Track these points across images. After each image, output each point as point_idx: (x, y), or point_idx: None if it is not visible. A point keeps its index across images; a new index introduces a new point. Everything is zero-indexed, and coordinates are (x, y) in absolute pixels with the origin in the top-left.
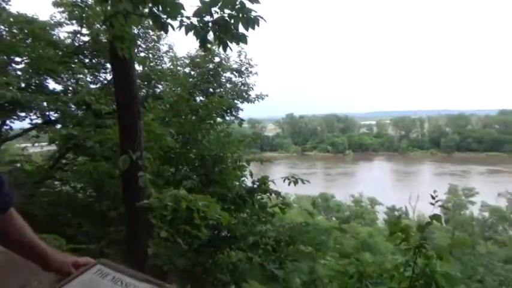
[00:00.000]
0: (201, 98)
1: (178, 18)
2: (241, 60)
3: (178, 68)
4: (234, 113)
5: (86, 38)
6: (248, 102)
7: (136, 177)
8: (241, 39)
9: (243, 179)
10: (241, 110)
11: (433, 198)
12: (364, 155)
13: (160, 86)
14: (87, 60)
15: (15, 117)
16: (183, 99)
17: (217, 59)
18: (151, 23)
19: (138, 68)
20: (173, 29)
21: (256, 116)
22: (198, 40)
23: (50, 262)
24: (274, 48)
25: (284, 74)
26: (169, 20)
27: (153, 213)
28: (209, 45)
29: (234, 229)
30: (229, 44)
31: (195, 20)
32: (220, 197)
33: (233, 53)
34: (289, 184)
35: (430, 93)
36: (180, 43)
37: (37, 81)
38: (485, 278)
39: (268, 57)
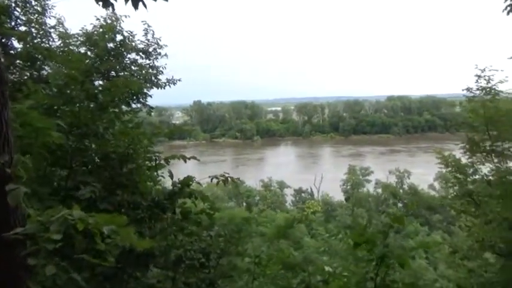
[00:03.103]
0: (101, 82)
1: None
2: (148, 40)
3: (71, 47)
4: (141, 99)
5: None
6: (158, 88)
7: (4, 192)
8: None
9: (159, 179)
10: (150, 96)
11: None
12: (272, 140)
13: (47, 68)
14: None
15: None
16: (76, 81)
17: (119, 37)
18: None
19: (18, 45)
20: None
21: (162, 103)
22: None
23: None
24: (178, 29)
25: (190, 58)
26: None
27: (34, 244)
28: (112, 1)
29: (153, 243)
30: None
31: None
32: (131, 205)
33: (139, 31)
34: (217, 184)
35: (329, 80)
36: (72, 17)
37: None
38: None
39: (173, 39)
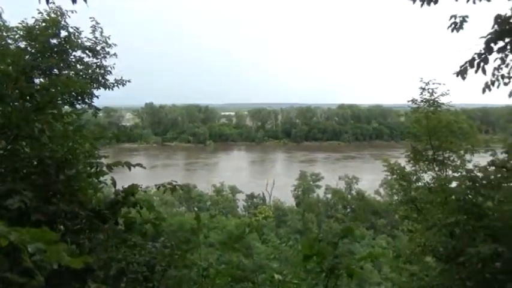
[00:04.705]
0: (42, 80)
1: None
2: (95, 38)
3: (9, 40)
4: (87, 100)
5: None
6: (105, 88)
7: None
8: None
9: (101, 185)
10: (97, 97)
11: None
12: (225, 145)
13: None
14: None
15: None
16: (9, 78)
17: (64, 33)
18: None
19: None
20: None
21: (112, 104)
22: None
23: None
24: (131, 30)
25: (142, 59)
26: None
27: None
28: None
29: (88, 259)
30: None
31: None
32: (68, 215)
33: (86, 27)
34: (164, 192)
35: (283, 87)
36: (11, 9)
37: None
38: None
39: (126, 40)
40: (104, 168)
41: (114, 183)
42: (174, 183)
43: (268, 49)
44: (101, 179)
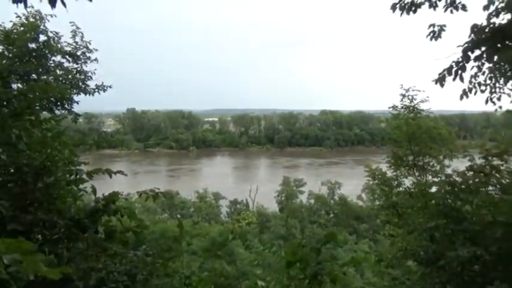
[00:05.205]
0: (19, 85)
1: None
2: (76, 42)
3: None
4: (66, 105)
5: None
6: (86, 94)
7: None
8: None
9: (81, 193)
10: (77, 102)
11: None
12: (208, 151)
13: None
14: None
15: None
16: None
17: (43, 38)
18: None
19: None
20: None
21: (93, 110)
22: None
23: None
24: (114, 35)
25: (124, 64)
26: None
27: None
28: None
29: (66, 269)
30: None
31: None
32: (46, 223)
33: (66, 32)
34: (146, 199)
35: (265, 92)
36: None
37: None
38: None
39: (108, 44)
40: (84, 176)
41: (94, 191)
42: (157, 190)
43: (251, 55)
44: (81, 186)
